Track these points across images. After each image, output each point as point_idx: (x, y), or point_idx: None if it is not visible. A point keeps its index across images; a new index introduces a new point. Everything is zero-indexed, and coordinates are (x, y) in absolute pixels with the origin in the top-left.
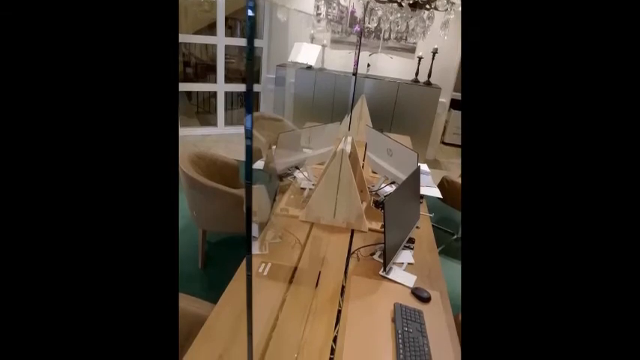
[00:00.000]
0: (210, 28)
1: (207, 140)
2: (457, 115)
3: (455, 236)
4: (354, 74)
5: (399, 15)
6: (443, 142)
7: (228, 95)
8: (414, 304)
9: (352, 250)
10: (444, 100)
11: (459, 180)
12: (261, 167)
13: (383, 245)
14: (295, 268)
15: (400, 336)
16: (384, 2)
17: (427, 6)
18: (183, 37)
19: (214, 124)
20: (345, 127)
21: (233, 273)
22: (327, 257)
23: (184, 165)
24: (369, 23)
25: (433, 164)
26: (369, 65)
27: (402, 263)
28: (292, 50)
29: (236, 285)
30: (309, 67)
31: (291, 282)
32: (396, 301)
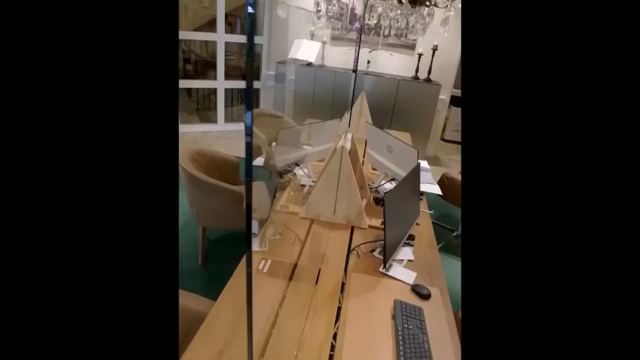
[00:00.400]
0: (210, 25)
1: (207, 137)
2: (457, 111)
3: (455, 233)
4: (354, 71)
5: (399, 12)
6: (443, 139)
7: (228, 92)
8: (414, 300)
9: (352, 246)
10: (444, 96)
11: (458, 177)
12: (261, 164)
13: (383, 242)
14: (295, 265)
15: (400, 333)
16: None
17: (427, 3)
18: (183, 34)
19: (214, 120)
20: (345, 123)
21: (233, 270)
22: (327, 254)
23: (184, 162)
24: (369, 20)
25: (433, 161)
26: (369, 62)
27: (402, 260)
28: (292, 47)
29: (236, 282)
30: (309, 64)
31: (291, 279)
32: (396, 298)
